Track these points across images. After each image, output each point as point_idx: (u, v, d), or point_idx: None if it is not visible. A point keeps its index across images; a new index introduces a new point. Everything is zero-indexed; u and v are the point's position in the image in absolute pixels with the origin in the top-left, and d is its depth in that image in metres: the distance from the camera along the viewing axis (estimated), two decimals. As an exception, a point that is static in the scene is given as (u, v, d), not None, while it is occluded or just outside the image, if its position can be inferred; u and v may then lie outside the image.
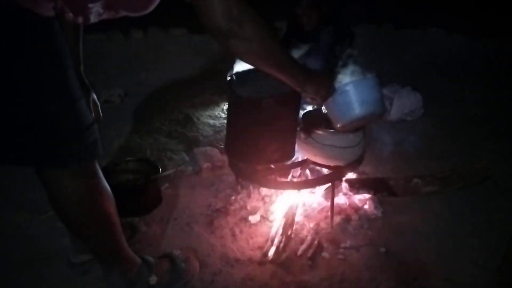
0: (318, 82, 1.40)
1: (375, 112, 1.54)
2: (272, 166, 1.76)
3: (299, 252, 1.68)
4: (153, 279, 1.45)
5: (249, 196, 1.98)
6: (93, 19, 1.13)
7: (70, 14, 1.08)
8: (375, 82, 1.52)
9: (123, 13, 1.16)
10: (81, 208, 1.24)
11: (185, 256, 1.60)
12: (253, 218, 1.85)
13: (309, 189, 1.92)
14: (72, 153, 1.16)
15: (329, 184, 1.78)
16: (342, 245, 1.72)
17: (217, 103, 3.12)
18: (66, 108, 1.11)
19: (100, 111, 1.50)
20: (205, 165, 2.23)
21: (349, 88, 1.47)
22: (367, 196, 1.95)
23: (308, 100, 1.43)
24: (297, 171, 1.94)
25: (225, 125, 2.53)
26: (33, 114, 1.08)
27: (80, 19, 1.12)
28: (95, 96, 1.48)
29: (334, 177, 1.74)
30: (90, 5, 1.08)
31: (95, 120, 1.46)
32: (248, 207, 1.93)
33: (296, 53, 1.66)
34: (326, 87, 1.43)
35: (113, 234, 1.34)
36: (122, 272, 1.40)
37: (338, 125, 1.55)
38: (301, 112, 1.75)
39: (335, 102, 1.49)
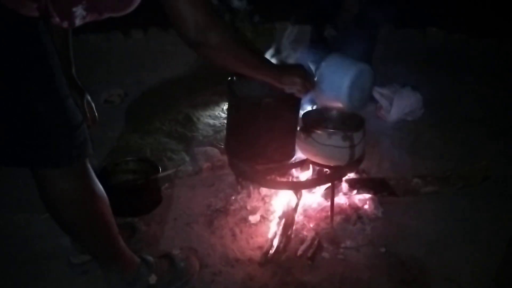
0: (293, 73, 1.46)
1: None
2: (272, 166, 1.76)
3: (299, 252, 1.68)
4: (153, 279, 1.45)
5: (249, 196, 1.98)
6: (78, 22, 1.13)
7: (57, 19, 1.09)
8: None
9: (106, 14, 1.16)
10: (73, 208, 1.23)
11: (185, 255, 1.60)
12: (253, 218, 1.85)
13: (309, 189, 1.91)
14: (61, 152, 1.15)
15: (329, 184, 1.78)
16: (342, 245, 1.72)
17: (217, 103, 3.11)
18: (53, 107, 1.10)
19: (95, 111, 1.49)
20: (205, 165, 2.23)
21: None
22: (367, 196, 1.94)
23: (295, 92, 1.49)
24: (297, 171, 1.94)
25: (225, 125, 2.53)
26: (20, 113, 1.07)
27: (66, 24, 1.12)
28: (89, 97, 1.47)
29: (334, 177, 1.74)
30: (74, 9, 1.08)
31: (92, 121, 1.46)
32: (248, 207, 1.93)
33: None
34: (302, 77, 1.47)
35: (108, 234, 1.34)
36: (120, 271, 1.40)
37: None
38: (301, 112, 1.75)
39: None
